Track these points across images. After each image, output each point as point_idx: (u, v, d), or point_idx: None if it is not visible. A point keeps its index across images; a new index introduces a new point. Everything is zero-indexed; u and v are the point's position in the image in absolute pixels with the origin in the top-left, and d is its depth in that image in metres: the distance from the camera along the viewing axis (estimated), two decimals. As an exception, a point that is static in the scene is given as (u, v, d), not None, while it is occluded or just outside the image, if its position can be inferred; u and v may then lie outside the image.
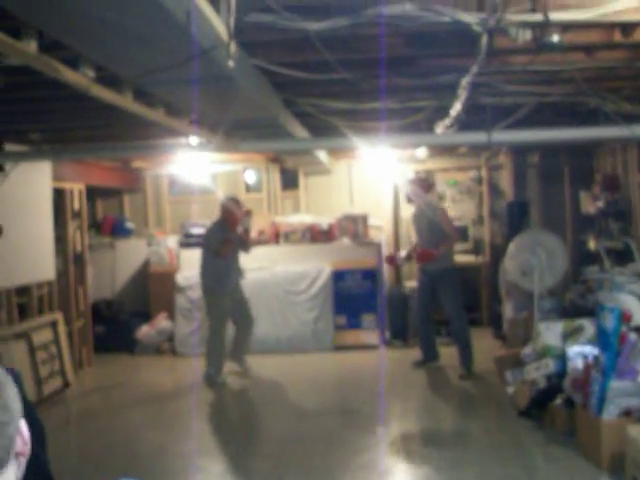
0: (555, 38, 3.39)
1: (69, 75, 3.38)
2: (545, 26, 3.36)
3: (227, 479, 5.11)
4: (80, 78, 3.47)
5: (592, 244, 8.99)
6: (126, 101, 4.26)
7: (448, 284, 7.66)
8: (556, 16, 3.34)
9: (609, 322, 4.81)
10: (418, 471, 5.10)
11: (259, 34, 3.51)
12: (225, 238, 7.56)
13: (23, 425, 1.27)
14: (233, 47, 2.91)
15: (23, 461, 1.28)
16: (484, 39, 3.49)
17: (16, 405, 1.25)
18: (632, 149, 8.13)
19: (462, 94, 4.90)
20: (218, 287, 7.64)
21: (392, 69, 4.51)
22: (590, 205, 9.09)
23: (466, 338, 7.70)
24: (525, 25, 3.42)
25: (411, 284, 9.83)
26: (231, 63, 2.96)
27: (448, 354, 8.43)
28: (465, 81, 4.52)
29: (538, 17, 3.32)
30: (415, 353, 8.07)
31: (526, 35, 3.42)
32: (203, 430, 6.12)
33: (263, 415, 6.67)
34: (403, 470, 5.16)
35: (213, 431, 6.15)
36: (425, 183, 8.10)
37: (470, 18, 3.32)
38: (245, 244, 7.92)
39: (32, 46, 3.01)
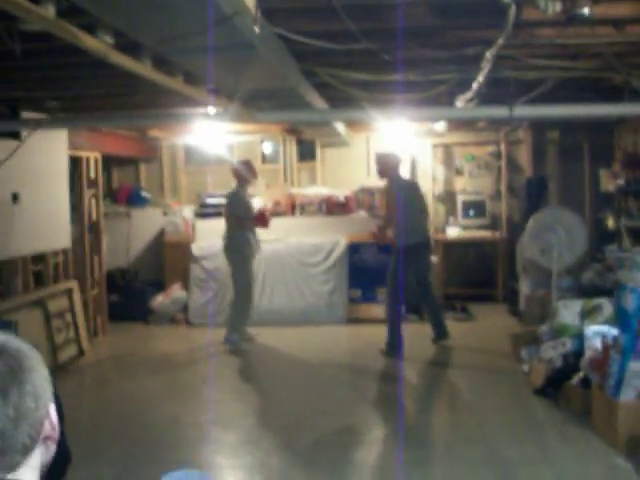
0: (586, 10, 3.30)
1: (87, 41, 3.32)
2: (576, -2, 3.27)
3: (239, 450, 5.10)
4: (98, 44, 3.40)
5: (611, 222, 8.90)
6: (145, 69, 4.19)
7: (389, 265, 7.55)
8: (587, -13, 3.25)
9: (630, 302, 4.73)
10: (431, 448, 5.07)
11: (281, 1, 3.43)
12: (249, 214, 7.90)
13: (52, 410, 1.26)
14: (258, 12, 2.84)
15: (52, 446, 1.28)
16: (512, 10, 3.39)
17: (45, 391, 1.24)
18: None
19: (485, 67, 4.80)
20: (242, 253, 7.82)
21: (416, 40, 4.41)
22: (610, 183, 8.98)
23: (390, 322, 7.51)
24: (555, -4, 3.32)
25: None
26: (257, 29, 2.88)
27: (464, 329, 8.43)
28: (490, 53, 4.42)
29: (569, -12, 3.23)
30: (429, 327, 8.01)
31: (556, 6, 3.31)
32: (216, 401, 6.12)
33: (276, 387, 6.66)
34: (416, 446, 5.13)
35: (226, 402, 6.14)
36: (391, 160, 7.74)
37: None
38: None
39: (50, 11, 2.95)
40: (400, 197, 7.41)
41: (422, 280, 7.80)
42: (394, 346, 7.35)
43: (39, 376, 1.23)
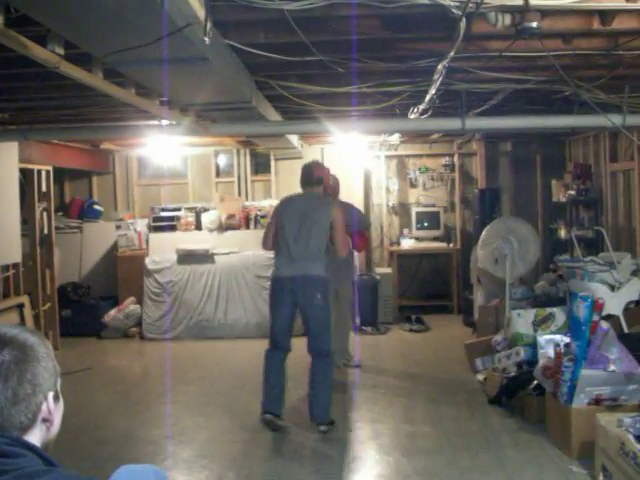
0: (534, 24, 3.35)
1: (38, 51, 3.27)
2: (524, 11, 3.31)
3: (195, 465, 5.04)
4: (49, 55, 3.36)
5: (563, 232, 9.05)
6: (96, 80, 4.15)
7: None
8: (536, 1, 3.30)
9: (581, 311, 4.81)
10: (388, 459, 5.07)
11: (234, 13, 3.42)
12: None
13: (51, 397, 1.48)
14: (209, 24, 2.83)
15: (51, 427, 1.51)
16: (462, 23, 3.43)
17: (45, 380, 1.47)
18: (604, 138, 8.16)
19: (437, 79, 4.84)
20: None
21: (367, 52, 4.44)
22: (561, 193, 9.14)
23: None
24: (504, 9, 3.37)
25: (381, 270, 9.83)
26: (207, 39, 2.87)
27: (419, 340, 8.47)
28: (441, 66, 4.47)
29: (518, 1, 3.28)
30: (385, 339, 8.04)
31: (505, 20, 3.37)
32: (171, 415, 6.05)
33: (232, 402, 6.60)
34: (372, 459, 5.13)
35: (181, 417, 6.07)
36: (302, 170, 5.96)
37: (449, 1, 3.26)
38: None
39: (-2, 20, 2.91)
40: (282, 213, 5.77)
41: (314, 339, 5.65)
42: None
43: (40, 367, 1.46)
